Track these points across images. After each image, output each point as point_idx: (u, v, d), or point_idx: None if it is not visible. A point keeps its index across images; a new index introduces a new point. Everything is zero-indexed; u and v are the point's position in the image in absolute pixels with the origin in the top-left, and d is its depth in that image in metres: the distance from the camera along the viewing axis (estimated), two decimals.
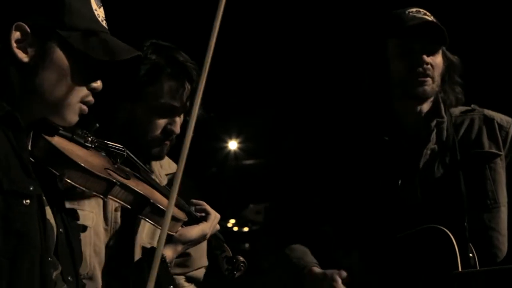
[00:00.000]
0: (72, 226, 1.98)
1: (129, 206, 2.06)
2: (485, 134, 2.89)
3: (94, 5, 1.92)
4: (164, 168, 2.66)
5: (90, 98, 1.92)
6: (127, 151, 2.16)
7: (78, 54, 1.85)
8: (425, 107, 2.88)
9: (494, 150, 2.87)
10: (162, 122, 2.48)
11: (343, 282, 2.71)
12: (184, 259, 2.61)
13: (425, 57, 2.79)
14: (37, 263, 1.76)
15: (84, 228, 2.03)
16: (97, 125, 2.45)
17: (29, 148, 1.87)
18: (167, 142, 2.51)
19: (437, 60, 2.84)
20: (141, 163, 2.25)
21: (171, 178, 2.67)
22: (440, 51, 2.86)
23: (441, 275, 2.68)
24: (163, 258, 2.25)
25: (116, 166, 2.09)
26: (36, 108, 1.86)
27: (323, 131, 3.13)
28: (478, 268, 2.68)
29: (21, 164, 1.79)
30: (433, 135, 2.86)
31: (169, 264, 2.27)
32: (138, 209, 2.07)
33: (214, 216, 2.35)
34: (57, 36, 1.84)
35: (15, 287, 1.71)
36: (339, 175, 2.89)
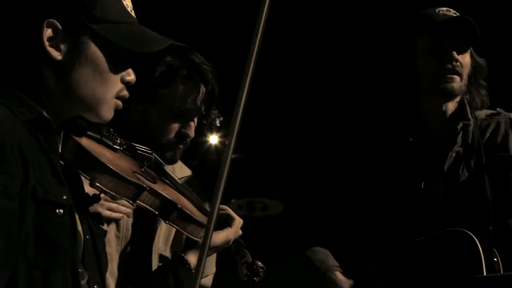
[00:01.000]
0: (98, 232, 1.91)
1: (156, 211, 2.00)
2: (511, 138, 2.88)
3: None
4: (177, 171, 2.60)
5: (125, 93, 1.85)
6: (155, 154, 2.10)
7: (112, 47, 1.78)
8: (451, 106, 2.86)
9: None
10: (176, 125, 2.42)
11: None
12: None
13: (455, 54, 2.78)
14: (69, 275, 1.70)
15: (105, 233, 1.97)
16: (111, 129, 2.38)
17: (59, 150, 1.81)
18: (181, 146, 2.45)
19: (466, 59, 2.83)
20: (166, 170, 2.19)
21: (184, 181, 2.62)
22: (469, 51, 2.84)
23: (465, 279, 2.66)
24: (187, 265, 2.20)
25: (143, 169, 2.04)
26: (70, 106, 1.79)
27: (346, 132, 3.10)
28: (502, 271, 2.67)
29: (53, 169, 1.72)
30: (459, 138, 2.84)
31: (193, 271, 2.22)
32: (165, 214, 2.02)
33: (238, 221, 2.30)
34: (89, 30, 1.76)
35: None
36: (362, 176, 2.87)
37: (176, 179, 2.48)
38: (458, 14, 2.85)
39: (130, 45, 1.79)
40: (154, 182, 2.01)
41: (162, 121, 2.41)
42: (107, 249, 2.28)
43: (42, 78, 1.75)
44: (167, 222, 2.03)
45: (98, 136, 1.93)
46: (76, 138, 1.83)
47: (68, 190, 1.72)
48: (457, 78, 2.80)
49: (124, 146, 2.00)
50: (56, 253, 1.67)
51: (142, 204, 1.96)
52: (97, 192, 1.86)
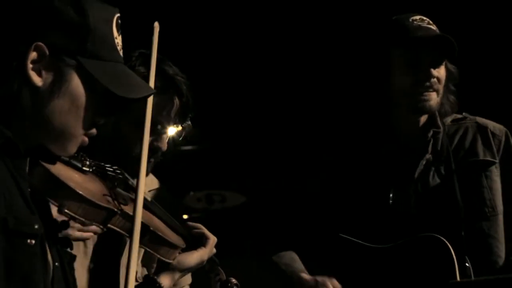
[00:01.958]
0: (67, 258, 1.84)
1: (127, 234, 1.94)
2: (480, 142, 2.87)
3: (115, 32, 1.77)
4: (147, 184, 2.53)
5: (94, 131, 1.78)
6: (125, 174, 2.03)
7: (95, 84, 1.70)
8: (423, 118, 2.83)
9: (489, 158, 2.85)
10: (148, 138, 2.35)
11: None
12: None
13: (432, 70, 2.73)
14: None
15: (74, 257, 1.89)
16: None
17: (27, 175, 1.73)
18: (152, 159, 2.38)
19: (442, 72, 2.79)
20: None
21: (155, 194, 2.55)
22: (444, 63, 2.80)
23: (438, 285, 2.64)
24: (160, 287, 2.14)
25: (113, 190, 1.96)
26: (38, 134, 1.70)
27: (318, 140, 3.07)
28: (473, 277, 2.65)
29: (23, 197, 1.64)
30: (430, 146, 2.83)
31: None
32: None
33: (213, 240, 2.24)
34: (77, 62, 1.68)
35: None
36: (332, 184, 2.84)
37: (148, 197, 2.42)
38: (431, 23, 2.80)
39: (115, 88, 1.71)
40: (125, 204, 1.95)
41: (134, 134, 2.33)
42: (75, 264, 2.21)
43: (17, 101, 1.67)
44: (140, 246, 1.96)
45: (66, 158, 1.85)
46: (44, 164, 1.75)
47: (38, 218, 1.65)
48: (434, 94, 2.76)
49: (94, 168, 1.92)
50: (28, 285, 1.60)
51: (113, 227, 1.89)
52: (66, 219, 1.78)
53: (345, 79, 3.06)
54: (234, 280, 2.28)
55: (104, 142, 2.29)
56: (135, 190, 1.83)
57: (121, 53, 1.78)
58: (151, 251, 1.99)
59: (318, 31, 5.01)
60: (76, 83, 1.69)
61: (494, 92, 4.68)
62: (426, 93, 2.74)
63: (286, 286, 2.81)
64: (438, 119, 2.84)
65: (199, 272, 2.33)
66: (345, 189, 2.83)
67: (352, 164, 2.85)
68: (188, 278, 2.58)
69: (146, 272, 2.41)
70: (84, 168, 1.90)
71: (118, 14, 1.79)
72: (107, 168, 2.00)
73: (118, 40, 1.77)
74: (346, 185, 2.83)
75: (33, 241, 1.60)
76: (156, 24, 2.12)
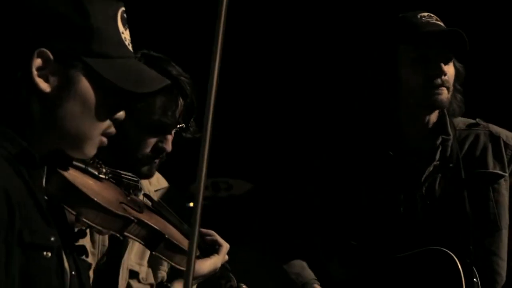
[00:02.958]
0: (83, 266, 1.83)
1: (142, 242, 1.94)
2: (490, 152, 2.82)
3: (121, 27, 1.74)
4: (153, 184, 2.54)
5: (112, 129, 1.76)
6: (140, 181, 2.03)
7: (105, 84, 1.68)
8: (432, 118, 2.80)
9: (498, 171, 2.81)
10: (153, 139, 2.35)
11: None
12: None
13: (443, 66, 2.71)
14: None
15: (90, 266, 1.90)
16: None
17: (43, 184, 1.73)
18: (157, 160, 2.38)
19: (451, 69, 2.76)
20: (151, 197, 2.12)
21: (162, 193, 2.55)
22: (453, 60, 2.78)
23: None
24: None
25: (129, 198, 1.96)
26: (53, 140, 1.70)
27: (325, 143, 3.03)
28: None
29: (38, 208, 1.64)
30: (438, 153, 2.79)
31: None
32: (152, 245, 1.96)
33: (225, 247, 2.24)
34: (83, 63, 1.66)
35: None
36: (339, 189, 2.81)
37: (149, 191, 2.42)
38: (439, 19, 2.78)
39: (125, 84, 1.70)
40: (141, 212, 1.94)
41: (138, 136, 2.34)
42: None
43: (27, 110, 1.66)
44: (154, 253, 1.96)
45: (83, 165, 1.85)
46: (62, 171, 1.74)
47: (55, 230, 1.65)
48: (445, 90, 2.73)
49: (110, 175, 1.92)
50: None
51: (129, 235, 1.89)
52: (83, 227, 1.78)
53: (354, 79, 3.03)
54: (245, 286, 2.28)
55: (108, 143, 2.27)
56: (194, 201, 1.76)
57: (130, 47, 1.76)
58: (166, 259, 1.99)
59: (324, 30, 4.99)
60: (85, 85, 1.67)
61: (506, 94, 4.65)
62: (438, 89, 2.71)
63: None
64: (448, 123, 2.81)
65: (209, 278, 2.33)
66: (352, 193, 2.81)
67: (359, 167, 2.83)
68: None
69: (151, 274, 2.42)
70: (100, 175, 1.89)
71: (123, 8, 1.77)
72: (122, 175, 2.00)
73: (125, 34, 1.75)
74: (352, 189, 2.81)
75: (49, 254, 1.60)
76: None
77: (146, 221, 1.92)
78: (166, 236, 1.95)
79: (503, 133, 2.88)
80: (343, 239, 2.78)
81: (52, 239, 1.62)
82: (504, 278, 2.76)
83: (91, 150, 1.74)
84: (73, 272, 1.75)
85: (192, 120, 2.43)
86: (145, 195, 2.11)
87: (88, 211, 1.73)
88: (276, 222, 2.96)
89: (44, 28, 1.66)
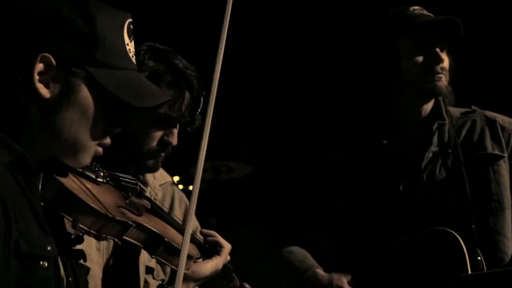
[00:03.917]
0: (81, 271, 1.80)
1: (141, 246, 1.91)
2: (488, 135, 2.84)
3: (126, 39, 1.71)
4: (157, 178, 2.50)
5: (108, 141, 1.73)
6: (140, 184, 1.99)
7: (106, 94, 1.65)
8: (429, 106, 2.81)
9: (497, 152, 2.82)
10: (158, 133, 2.32)
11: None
12: None
13: (440, 53, 2.74)
14: None
15: (88, 270, 1.86)
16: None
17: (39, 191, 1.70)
18: (163, 154, 2.35)
19: (446, 57, 2.79)
20: (150, 198, 2.08)
21: (165, 188, 2.52)
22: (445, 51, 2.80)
23: (450, 279, 2.62)
24: None
25: (127, 201, 1.93)
26: (49, 147, 1.66)
27: (321, 135, 3.02)
28: (485, 269, 2.64)
29: (35, 215, 1.61)
30: (435, 138, 2.80)
31: None
32: (151, 248, 1.93)
33: (227, 248, 2.21)
34: (85, 72, 1.63)
35: None
36: (338, 180, 2.80)
37: (159, 192, 2.38)
38: (430, 13, 2.81)
39: (125, 96, 1.66)
40: (140, 215, 1.91)
41: (144, 129, 2.30)
42: (88, 264, 2.18)
43: (25, 115, 1.62)
44: (153, 256, 1.93)
45: (80, 170, 1.81)
46: (58, 177, 1.71)
47: (52, 239, 1.61)
48: (443, 77, 2.75)
49: (108, 178, 1.88)
50: None
51: (128, 239, 1.86)
52: (80, 233, 1.75)
53: (353, 71, 3.01)
54: (248, 286, 2.26)
55: (114, 137, 2.25)
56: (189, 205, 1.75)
57: (133, 59, 1.73)
58: (166, 262, 1.96)
59: (322, 23, 4.97)
60: (85, 94, 1.64)
61: (502, 85, 4.63)
62: (437, 75, 2.73)
63: (297, 283, 2.78)
64: (443, 109, 2.82)
65: (211, 279, 2.30)
66: (352, 183, 2.79)
67: (359, 158, 2.82)
68: None
69: (161, 270, 2.39)
70: (98, 179, 1.86)
71: (130, 20, 1.73)
72: (121, 178, 1.96)
73: (130, 46, 1.72)
74: (352, 179, 2.80)
75: (46, 263, 1.57)
76: None
77: (145, 224, 1.89)
78: (166, 239, 1.92)
79: (498, 117, 2.90)
80: (346, 229, 2.76)
81: (49, 248, 1.59)
82: (509, 256, 2.76)
83: (86, 159, 1.71)
84: (70, 279, 1.73)
85: (198, 113, 2.40)
86: (145, 197, 2.07)
87: (85, 217, 1.70)
88: (278, 209, 2.95)
89: (49, 33, 1.62)
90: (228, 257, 2.24)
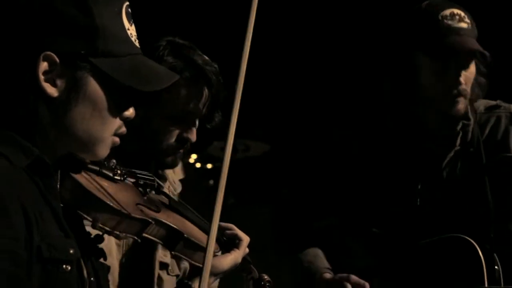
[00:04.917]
0: (101, 270, 1.80)
1: (161, 242, 1.90)
2: None
3: (126, 23, 1.69)
4: (177, 173, 2.50)
5: (123, 129, 1.72)
6: (157, 180, 1.98)
7: (114, 83, 1.64)
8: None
9: None
10: (177, 130, 2.32)
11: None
12: None
13: (462, 76, 2.61)
14: None
15: (108, 268, 1.87)
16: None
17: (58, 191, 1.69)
18: (181, 150, 2.34)
19: (471, 69, 2.66)
20: (168, 194, 2.07)
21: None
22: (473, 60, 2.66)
23: None
24: None
25: (145, 198, 1.92)
26: (65, 144, 1.66)
27: (343, 130, 2.96)
28: (502, 281, 2.55)
29: (56, 218, 1.60)
30: (458, 138, 2.70)
31: None
32: (171, 244, 1.92)
33: (246, 241, 2.20)
34: (89, 64, 1.62)
35: None
36: (357, 176, 2.75)
37: (176, 198, 2.39)
38: (463, 16, 2.62)
39: (133, 82, 1.65)
40: (158, 211, 1.90)
41: (163, 126, 2.30)
42: (108, 259, 2.18)
43: (36, 116, 1.62)
44: (173, 252, 1.93)
45: (97, 168, 1.80)
46: (75, 176, 1.70)
47: (74, 241, 1.61)
48: (462, 99, 2.63)
49: (125, 176, 1.87)
50: None
51: (148, 236, 1.85)
52: (100, 233, 1.75)
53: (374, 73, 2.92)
54: (266, 277, 2.25)
55: (133, 134, 2.24)
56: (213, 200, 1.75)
57: (136, 43, 1.71)
58: (185, 258, 1.96)
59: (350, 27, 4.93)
60: (93, 86, 1.63)
61: None
62: (455, 99, 2.62)
63: (308, 285, 2.75)
64: (469, 108, 2.71)
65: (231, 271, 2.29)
66: (371, 180, 2.73)
67: (378, 155, 2.74)
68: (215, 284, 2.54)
69: (176, 265, 2.39)
70: (115, 177, 1.85)
71: (127, 3, 1.71)
72: (138, 174, 1.96)
73: (131, 30, 1.70)
74: (371, 176, 2.73)
75: (69, 267, 1.57)
76: None
77: (164, 220, 1.88)
78: (185, 235, 1.92)
79: None
80: (364, 226, 2.73)
81: (71, 251, 1.59)
82: None
83: (103, 152, 1.71)
84: (92, 279, 1.73)
85: (217, 110, 2.38)
86: (163, 192, 2.06)
87: (104, 216, 1.70)
88: (293, 207, 2.92)
89: (48, 30, 1.61)
90: (247, 250, 2.24)
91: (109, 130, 1.68)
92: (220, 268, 2.12)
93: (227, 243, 2.17)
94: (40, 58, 1.59)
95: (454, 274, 2.58)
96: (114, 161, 1.86)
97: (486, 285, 2.52)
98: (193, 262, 1.98)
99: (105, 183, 1.80)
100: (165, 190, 2.37)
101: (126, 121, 1.73)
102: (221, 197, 1.71)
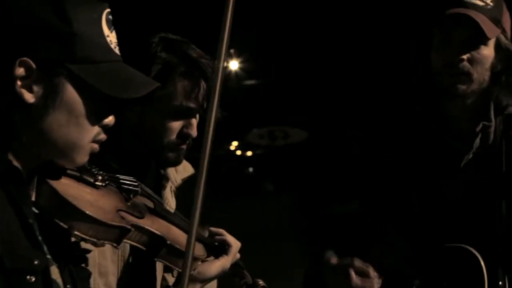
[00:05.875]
0: (81, 277, 1.77)
1: (143, 248, 1.87)
2: None
3: (106, 30, 1.66)
4: (180, 172, 2.45)
5: (102, 136, 1.69)
6: (142, 185, 1.96)
7: (91, 90, 1.61)
8: (468, 103, 2.55)
9: None
10: (177, 125, 2.25)
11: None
12: None
13: (462, 49, 2.45)
14: None
15: (89, 275, 1.84)
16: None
17: (33, 198, 1.67)
18: (184, 146, 2.30)
19: (483, 52, 2.48)
20: (156, 196, 2.04)
21: (189, 181, 2.48)
22: (490, 42, 2.49)
23: None
24: None
25: (129, 203, 1.89)
26: (43, 151, 1.63)
27: (368, 123, 2.85)
28: None
29: (24, 226, 1.58)
30: (477, 140, 2.55)
31: None
32: (153, 251, 1.89)
33: (235, 248, 2.16)
34: (66, 70, 1.59)
35: None
36: (380, 169, 2.64)
37: (175, 180, 2.35)
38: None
39: (110, 89, 1.62)
40: (142, 217, 1.87)
41: (161, 122, 2.24)
42: (102, 262, 2.16)
43: (12, 122, 1.59)
44: (156, 259, 1.90)
45: (78, 174, 1.77)
46: (52, 183, 1.68)
47: (40, 252, 1.59)
48: (463, 78, 2.47)
49: (107, 182, 1.85)
50: None
51: (130, 242, 1.83)
52: (77, 239, 1.73)
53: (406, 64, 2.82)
54: (261, 282, 2.21)
55: (131, 132, 2.22)
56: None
57: (116, 50, 1.68)
58: (169, 264, 1.93)
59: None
60: (70, 92, 1.60)
61: None
62: (453, 75, 2.47)
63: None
64: (492, 111, 2.54)
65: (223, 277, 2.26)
66: (394, 170, 2.61)
67: (403, 148, 2.62)
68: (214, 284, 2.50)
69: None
70: (97, 183, 1.82)
71: (108, 10, 1.68)
72: (121, 180, 1.93)
73: (111, 37, 1.67)
74: (396, 169, 2.61)
75: (33, 278, 1.54)
76: None
77: (146, 227, 1.85)
78: (168, 241, 1.88)
79: None
80: (383, 216, 2.65)
81: (36, 262, 1.56)
82: None
83: (82, 158, 1.68)
84: (68, 286, 1.71)
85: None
86: (149, 197, 2.03)
87: (80, 224, 1.67)
88: (314, 192, 2.84)
89: (25, 36, 1.59)
90: (238, 255, 2.20)
91: (87, 137, 1.66)
92: (208, 274, 2.08)
93: (216, 249, 2.13)
94: (16, 63, 1.57)
95: (458, 284, 2.48)
96: (95, 166, 1.84)
97: None
98: (177, 269, 1.95)
99: (86, 189, 1.77)
100: (167, 189, 2.35)
101: (106, 128, 1.70)
102: (200, 196, 1.66)
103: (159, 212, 1.98)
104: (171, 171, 2.41)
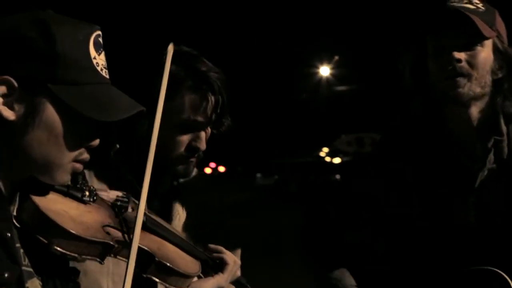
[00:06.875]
0: None
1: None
2: None
3: (92, 52, 1.69)
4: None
5: (85, 156, 1.72)
6: (132, 199, 1.96)
7: (71, 111, 1.64)
8: (475, 114, 2.45)
9: None
10: (185, 138, 2.27)
11: None
12: None
13: (456, 52, 2.37)
14: None
15: (79, 286, 1.85)
16: (117, 146, 2.28)
17: (15, 212, 1.70)
18: (193, 159, 2.30)
19: (481, 54, 2.39)
20: (147, 212, 2.04)
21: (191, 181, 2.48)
22: (487, 44, 2.41)
23: None
24: None
25: (119, 219, 1.89)
26: (23, 168, 1.67)
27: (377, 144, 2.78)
28: None
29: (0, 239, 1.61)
30: (491, 156, 2.44)
31: None
32: (142, 267, 1.88)
33: (233, 265, 2.13)
34: (48, 90, 1.62)
35: None
36: (394, 188, 2.57)
37: (176, 218, 2.34)
38: (473, 1, 2.42)
39: (90, 112, 1.64)
40: (131, 233, 1.87)
41: (170, 136, 2.26)
42: (116, 270, 2.16)
43: None
44: (145, 275, 1.90)
45: (65, 189, 1.80)
46: (34, 198, 1.71)
47: (12, 264, 1.61)
48: (461, 80, 2.38)
49: (95, 197, 1.86)
50: None
51: (118, 258, 1.83)
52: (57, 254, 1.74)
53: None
54: None
55: (141, 145, 2.23)
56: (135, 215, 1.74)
57: (103, 72, 1.70)
58: (159, 281, 1.92)
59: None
60: (50, 112, 1.64)
61: None
62: (451, 79, 2.38)
63: None
64: (502, 121, 2.44)
65: None
66: (405, 197, 2.52)
67: (412, 169, 2.53)
68: None
69: None
70: (84, 198, 1.84)
71: (98, 32, 1.71)
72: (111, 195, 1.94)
73: (98, 59, 1.69)
74: (409, 189, 2.52)
75: None
76: (170, 47, 2.00)
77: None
78: (157, 258, 1.88)
79: None
80: (395, 241, 2.57)
81: (6, 275, 1.59)
82: None
83: (62, 177, 1.71)
84: None
85: (224, 115, 2.33)
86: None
87: (60, 239, 1.69)
88: (324, 218, 2.78)
89: (8, 54, 1.63)
90: (238, 273, 2.16)
91: (67, 157, 1.68)
92: None
93: (214, 265, 2.11)
94: None
95: None
96: (85, 181, 1.85)
97: None
98: (167, 285, 1.94)
99: (71, 204, 1.79)
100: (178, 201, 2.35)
101: (89, 148, 1.72)
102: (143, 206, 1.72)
103: (150, 227, 1.98)
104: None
